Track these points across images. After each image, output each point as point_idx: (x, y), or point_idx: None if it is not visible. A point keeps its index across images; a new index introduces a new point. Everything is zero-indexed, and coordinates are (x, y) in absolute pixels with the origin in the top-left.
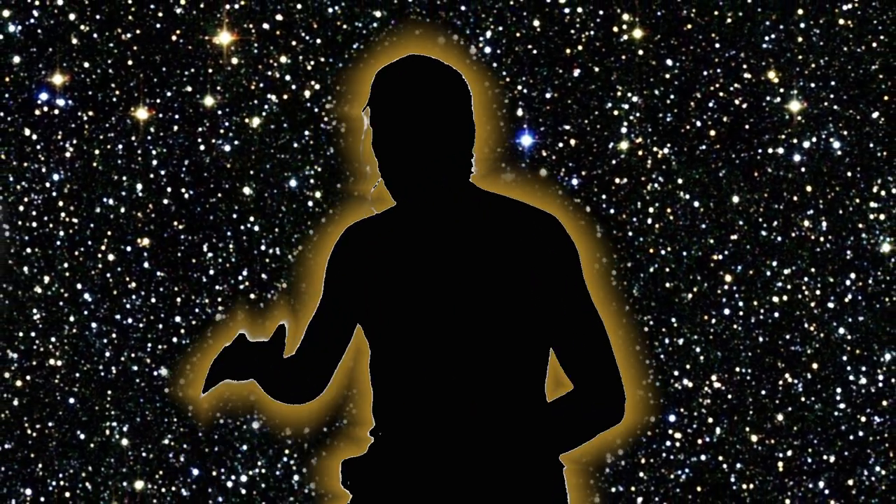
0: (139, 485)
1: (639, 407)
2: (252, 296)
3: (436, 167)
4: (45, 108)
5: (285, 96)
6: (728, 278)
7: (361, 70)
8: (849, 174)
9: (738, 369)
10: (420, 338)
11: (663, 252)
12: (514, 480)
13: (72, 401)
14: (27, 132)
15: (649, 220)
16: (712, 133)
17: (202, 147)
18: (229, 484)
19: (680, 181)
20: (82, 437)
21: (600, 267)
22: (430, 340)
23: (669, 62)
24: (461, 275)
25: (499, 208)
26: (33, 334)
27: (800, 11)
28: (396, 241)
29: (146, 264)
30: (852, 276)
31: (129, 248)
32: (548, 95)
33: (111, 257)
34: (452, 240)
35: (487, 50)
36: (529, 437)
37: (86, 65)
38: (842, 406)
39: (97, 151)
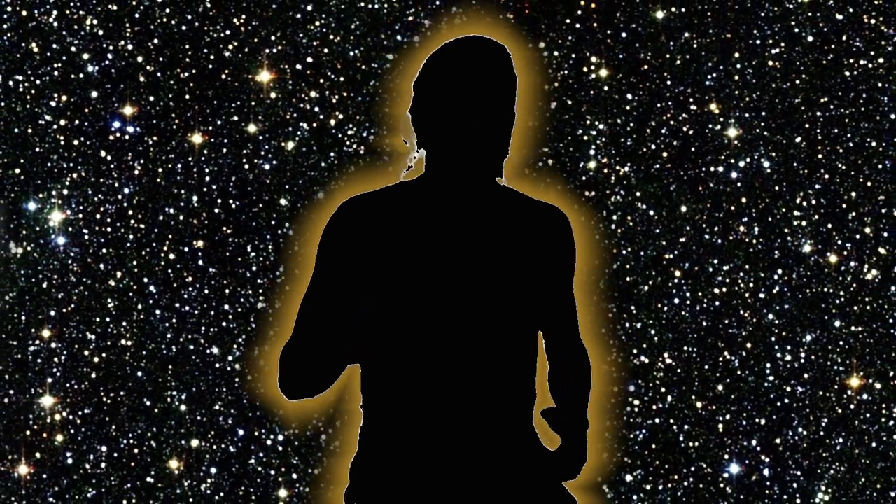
0: (195, 443)
1: (605, 379)
2: (287, 287)
3: (488, 148)
4: (118, 134)
5: (314, 124)
6: (678, 273)
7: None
8: (776, 188)
9: (685, 348)
10: (434, 324)
11: (624, 252)
12: (515, 474)
13: (139, 374)
14: (103, 154)
15: (613, 226)
16: (664, 154)
17: (246, 166)
18: (269, 442)
19: (638, 194)
20: (148, 403)
21: None
22: (445, 327)
23: (629, 96)
24: (480, 260)
25: (513, 200)
26: (108, 319)
27: (736, 55)
28: (414, 218)
29: (200, 262)
30: (779, 271)
31: (186, 249)
32: (529, 123)
33: (172, 256)
34: (471, 224)
35: None
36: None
37: (151, 98)
38: (770, 378)
39: (160, 169)
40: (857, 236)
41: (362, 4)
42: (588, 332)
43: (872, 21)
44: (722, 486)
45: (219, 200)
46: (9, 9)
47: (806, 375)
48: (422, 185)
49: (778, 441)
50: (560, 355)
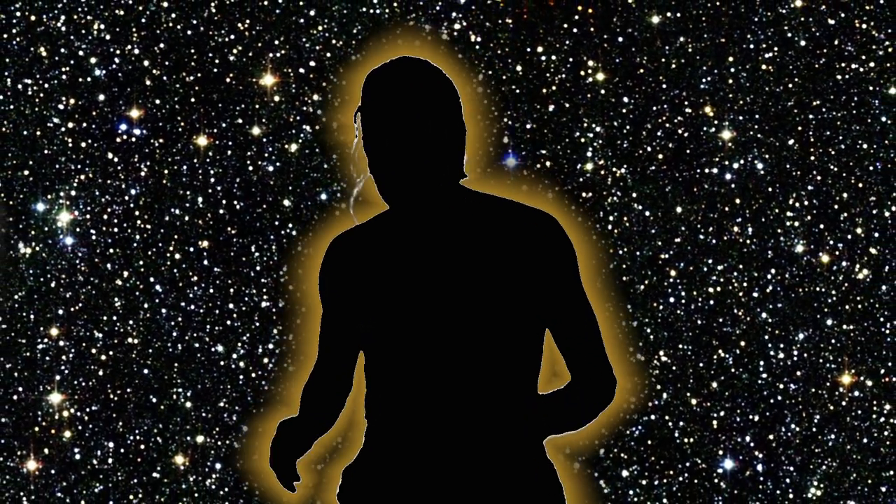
0: (200, 439)
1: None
2: (290, 287)
3: (428, 168)
4: (125, 137)
5: (317, 127)
6: (673, 273)
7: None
8: (769, 189)
9: (680, 346)
10: (422, 342)
11: (621, 252)
12: (512, 480)
13: (146, 371)
14: (110, 156)
15: (609, 227)
16: (660, 156)
17: (250, 167)
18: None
19: (634, 195)
20: (154, 400)
21: None
22: (433, 344)
23: (626, 99)
24: (459, 276)
25: (493, 209)
26: (115, 318)
27: (730, 58)
28: (390, 246)
29: (205, 262)
30: (773, 271)
31: (191, 249)
32: (528, 126)
33: (177, 256)
34: (447, 242)
35: (479, 90)
36: (526, 422)
37: (157, 101)
38: (764, 375)
39: (166, 171)
40: (849, 236)
41: (364, 9)
42: (612, 354)
43: (864, 26)
44: (716, 481)
45: (223, 201)
46: (17, 14)
47: (799, 373)
48: (392, 212)
49: (771, 437)
50: (580, 375)
